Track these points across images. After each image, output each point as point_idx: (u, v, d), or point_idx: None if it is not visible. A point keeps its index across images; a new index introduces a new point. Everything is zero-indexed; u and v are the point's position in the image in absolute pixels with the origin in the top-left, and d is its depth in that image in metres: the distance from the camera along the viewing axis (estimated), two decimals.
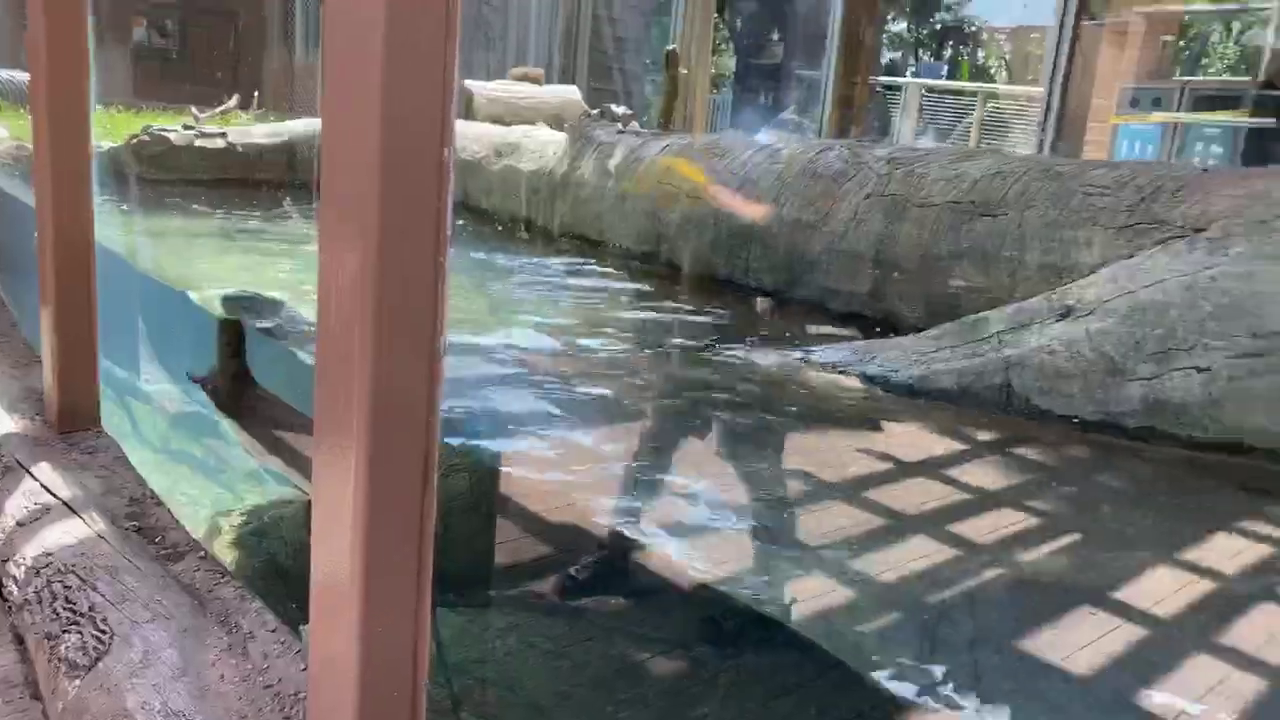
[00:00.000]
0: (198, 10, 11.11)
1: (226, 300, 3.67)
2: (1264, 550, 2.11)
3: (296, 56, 12.13)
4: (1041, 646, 1.68)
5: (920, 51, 23.28)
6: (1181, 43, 14.37)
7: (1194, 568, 2.01)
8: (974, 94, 16.53)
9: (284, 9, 12.37)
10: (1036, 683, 1.60)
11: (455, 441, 2.66)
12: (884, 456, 2.49)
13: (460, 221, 6.51)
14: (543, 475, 2.65)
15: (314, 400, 0.98)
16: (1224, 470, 2.36)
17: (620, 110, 6.41)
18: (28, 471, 1.90)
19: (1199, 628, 1.78)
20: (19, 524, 1.72)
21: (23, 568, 1.60)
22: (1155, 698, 1.56)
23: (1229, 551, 2.09)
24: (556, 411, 2.77)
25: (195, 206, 6.28)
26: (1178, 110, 12.49)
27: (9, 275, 3.64)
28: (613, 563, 2.65)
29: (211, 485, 3.87)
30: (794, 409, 2.83)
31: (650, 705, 2.05)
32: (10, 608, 1.62)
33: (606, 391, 2.97)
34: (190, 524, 1.82)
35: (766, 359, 3.23)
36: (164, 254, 4.90)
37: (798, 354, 3.21)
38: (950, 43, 23.09)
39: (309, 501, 0.99)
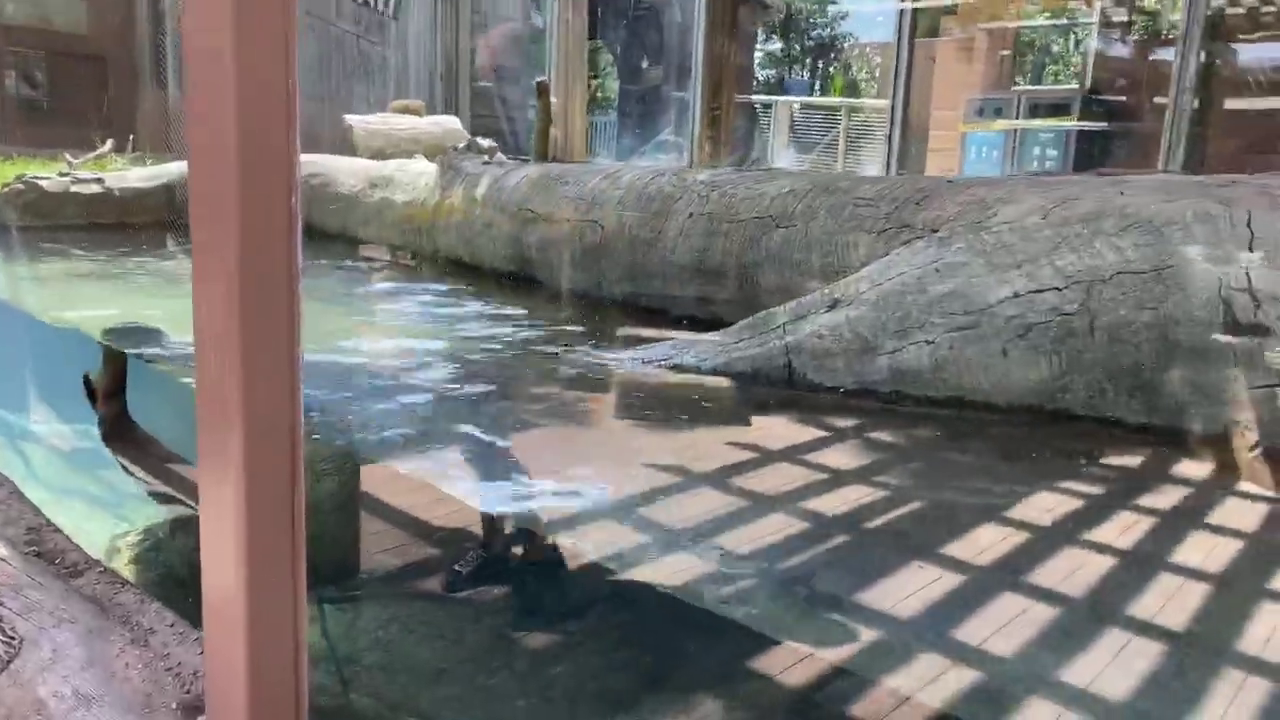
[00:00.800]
0: (66, 55, 11.06)
1: (108, 332, 3.89)
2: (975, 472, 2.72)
3: (170, 97, 12.14)
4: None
5: (793, 69, 24.31)
6: (1020, 55, 15.62)
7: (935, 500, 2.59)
8: (838, 109, 17.52)
9: (155, 49, 12.35)
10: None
11: (325, 444, 3.05)
12: (690, 428, 3.02)
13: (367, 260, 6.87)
14: (408, 468, 3.06)
15: (196, 419, 1.08)
16: (948, 421, 2.97)
17: (486, 143, 6.87)
18: None
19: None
20: None
21: None
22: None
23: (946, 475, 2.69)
24: (420, 410, 3.21)
25: (74, 251, 6.44)
26: (1016, 118, 13.66)
27: None
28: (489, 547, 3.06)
29: (105, 511, 4.13)
30: (628, 397, 3.35)
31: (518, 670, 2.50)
32: None
33: (468, 389, 3.43)
34: (89, 546, 1.92)
35: (604, 357, 3.75)
36: (46, 297, 5.11)
37: (629, 353, 3.73)
38: (821, 60, 24.18)
39: (197, 515, 1.13)
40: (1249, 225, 2.76)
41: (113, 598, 1.67)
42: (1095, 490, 2.61)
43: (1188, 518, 2.49)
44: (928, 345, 2.99)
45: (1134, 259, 2.77)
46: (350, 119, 10.46)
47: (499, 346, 4.12)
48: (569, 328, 4.44)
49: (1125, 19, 13.08)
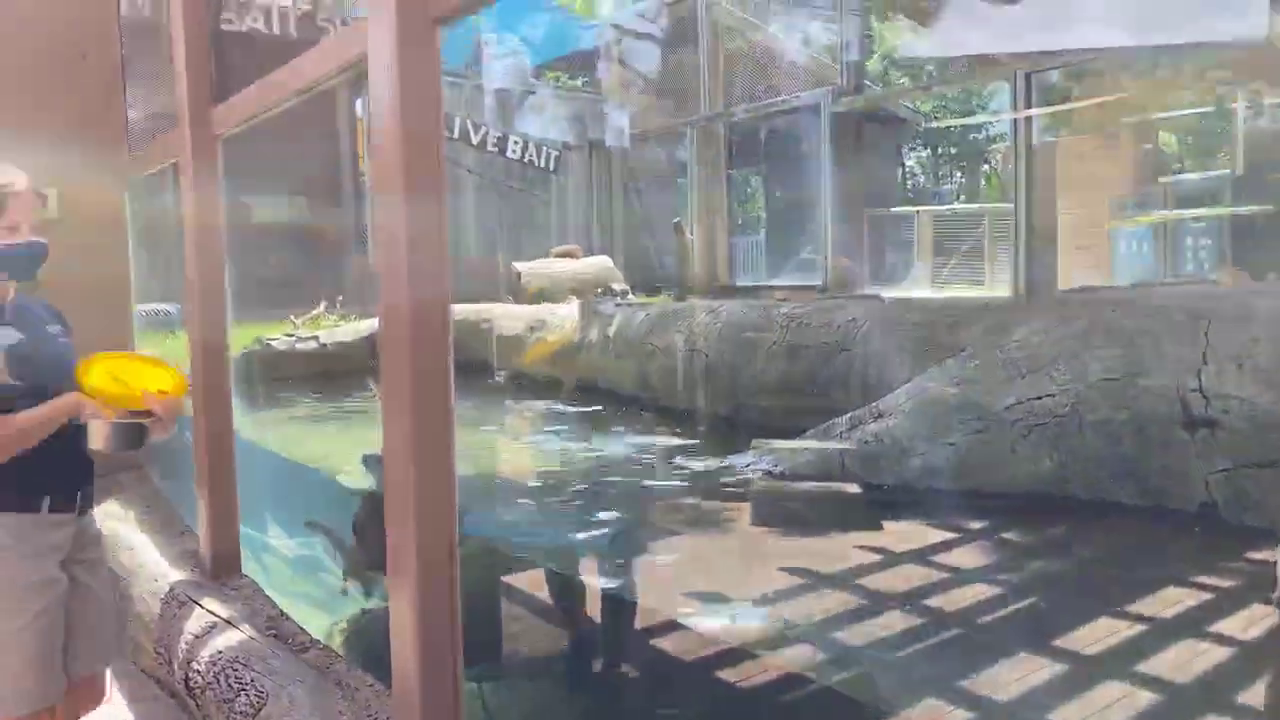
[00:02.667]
0: (288, 233, 13.35)
1: (367, 459, 4.46)
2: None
3: (368, 260, 14.23)
4: None
5: (937, 178, 24.45)
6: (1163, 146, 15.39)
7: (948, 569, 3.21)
8: (981, 215, 17.58)
9: (357, 221, 14.56)
10: None
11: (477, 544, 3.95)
12: (778, 519, 3.76)
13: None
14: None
15: (386, 523, 1.45)
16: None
17: (618, 286, 7.97)
18: (196, 603, 2.43)
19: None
20: (195, 636, 2.28)
21: (203, 662, 2.15)
22: None
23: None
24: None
25: (298, 398, 7.99)
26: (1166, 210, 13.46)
27: (170, 469, 4.40)
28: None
29: (322, 608, 5.20)
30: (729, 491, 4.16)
31: None
32: (194, 691, 2.18)
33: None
34: (312, 631, 2.33)
35: (706, 463, 4.58)
36: (283, 437, 6.51)
37: (736, 458, 4.54)
38: (961, 167, 24.21)
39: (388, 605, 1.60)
40: None
41: (329, 666, 2.09)
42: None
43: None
44: (949, 447, 3.62)
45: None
46: (518, 265, 11.83)
47: (633, 449, 5.00)
48: (678, 437, 5.29)
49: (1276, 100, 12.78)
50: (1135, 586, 2.98)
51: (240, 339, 9.75)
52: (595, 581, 3.50)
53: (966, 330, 4.09)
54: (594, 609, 3.50)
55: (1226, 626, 2.68)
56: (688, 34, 15.16)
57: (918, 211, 18.51)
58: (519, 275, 11.59)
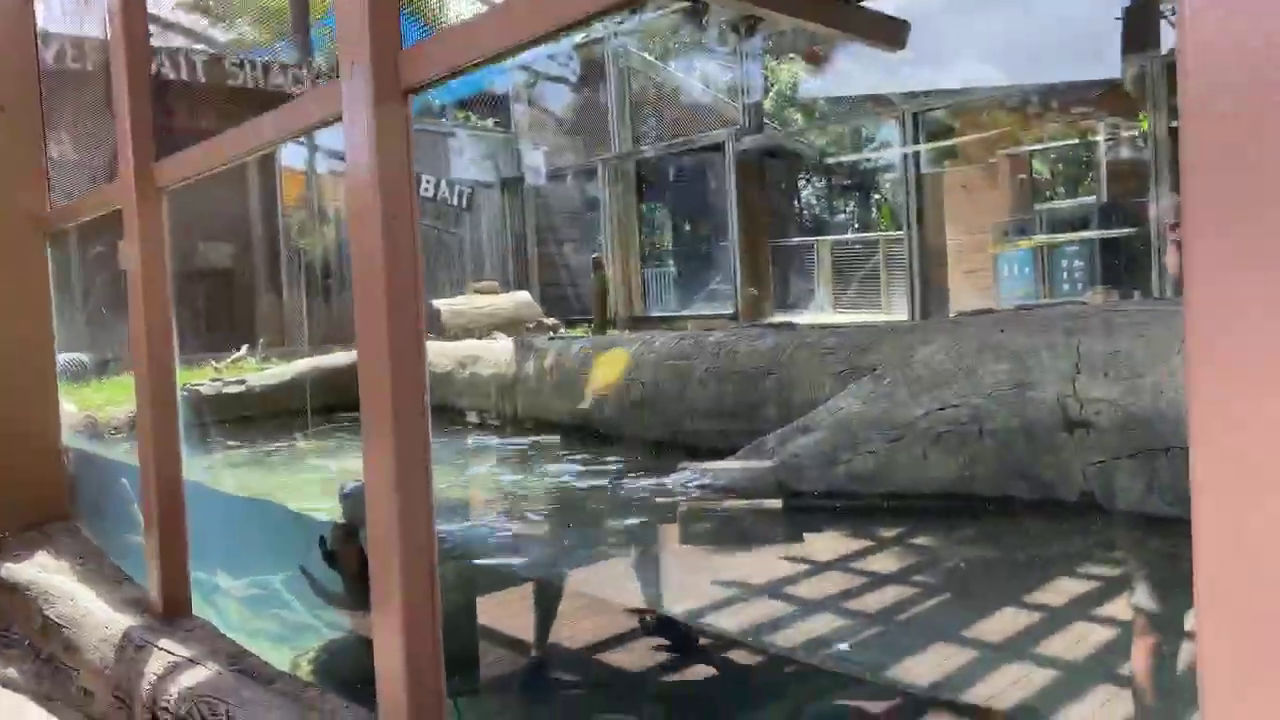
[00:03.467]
0: (200, 275, 13.24)
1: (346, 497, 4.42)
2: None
3: (285, 303, 14.19)
4: None
5: (831, 209, 25.65)
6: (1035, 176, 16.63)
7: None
8: (876, 242, 18.63)
9: (270, 263, 14.50)
10: None
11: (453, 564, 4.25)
12: (708, 529, 4.16)
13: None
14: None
15: (370, 555, 1.61)
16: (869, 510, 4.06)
17: (550, 321, 8.34)
18: (154, 645, 2.42)
19: None
20: (159, 676, 2.28)
21: (171, 700, 2.16)
22: None
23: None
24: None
25: (229, 442, 8.02)
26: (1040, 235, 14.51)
27: (95, 520, 4.24)
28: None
29: (282, 642, 5.33)
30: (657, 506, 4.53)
31: None
32: None
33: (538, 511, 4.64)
34: (276, 664, 2.35)
35: (642, 482, 4.95)
36: (219, 477, 6.58)
37: (666, 479, 4.93)
38: (854, 198, 25.52)
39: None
40: None
41: (300, 694, 2.10)
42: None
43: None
44: (870, 455, 4.11)
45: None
46: (436, 302, 12.02)
47: (568, 480, 5.34)
48: (615, 463, 5.67)
49: (1131, 133, 14.00)
50: (1030, 573, 3.50)
51: None
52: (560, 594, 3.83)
53: (876, 352, 4.61)
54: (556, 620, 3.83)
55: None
56: (596, 75, 15.74)
57: (816, 241, 19.41)
58: (439, 313, 11.74)
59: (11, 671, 2.92)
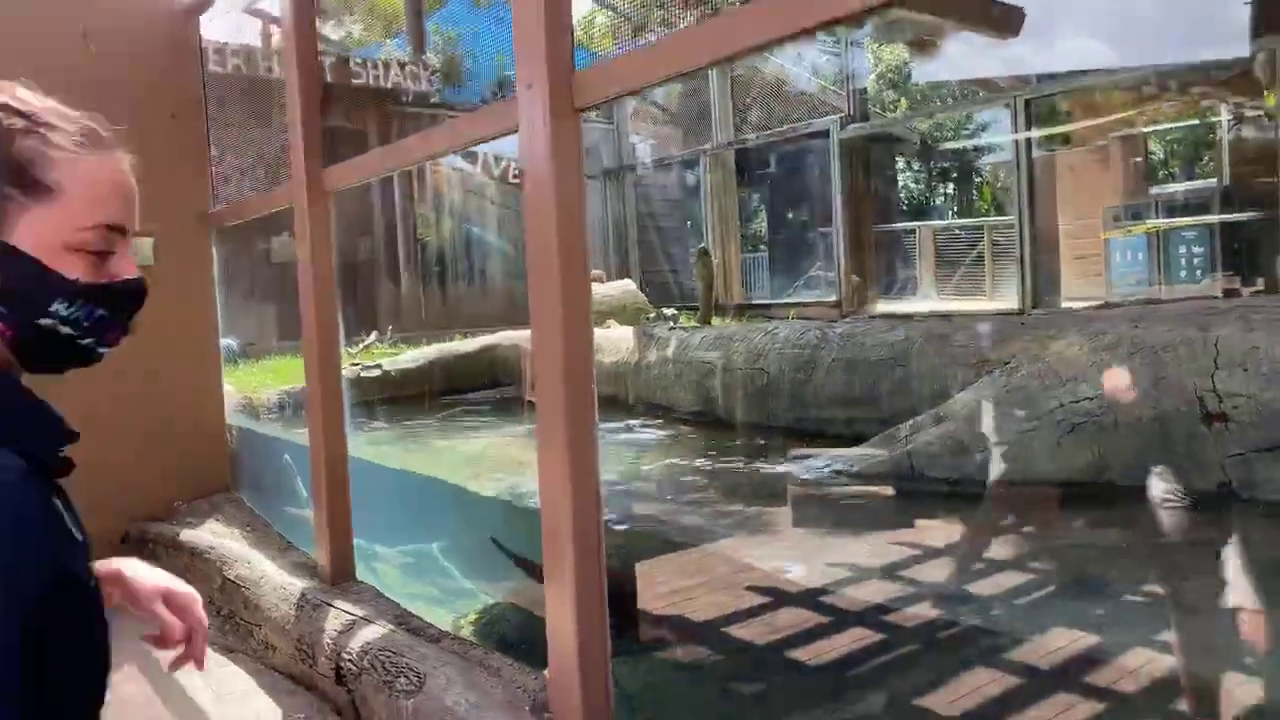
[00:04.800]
0: (341, 267, 13.96)
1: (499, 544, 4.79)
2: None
3: (403, 291, 14.89)
4: None
5: (934, 194, 25.11)
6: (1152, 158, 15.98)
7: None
8: (980, 228, 18.14)
9: (390, 253, 15.21)
10: None
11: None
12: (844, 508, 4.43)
13: None
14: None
15: (544, 536, 1.72)
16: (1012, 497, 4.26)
17: (670, 312, 8.67)
18: (330, 605, 2.61)
19: None
20: (339, 632, 2.46)
21: (353, 653, 2.34)
22: None
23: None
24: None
25: (374, 422, 8.65)
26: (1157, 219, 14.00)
27: (254, 492, 4.57)
28: None
29: (443, 606, 5.79)
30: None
31: None
32: (345, 679, 2.35)
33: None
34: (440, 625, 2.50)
35: (774, 468, 5.25)
36: (378, 454, 7.14)
37: (796, 466, 5.21)
38: (959, 182, 24.88)
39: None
40: None
41: (466, 652, 2.24)
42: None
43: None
44: (1002, 445, 4.31)
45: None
46: None
47: (693, 457, 5.66)
48: (738, 446, 5.97)
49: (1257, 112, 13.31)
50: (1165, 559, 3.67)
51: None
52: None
53: (1009, 345, 4.79)
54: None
55: None
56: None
57: (920, 226, 18.89)
58: None
59: None
